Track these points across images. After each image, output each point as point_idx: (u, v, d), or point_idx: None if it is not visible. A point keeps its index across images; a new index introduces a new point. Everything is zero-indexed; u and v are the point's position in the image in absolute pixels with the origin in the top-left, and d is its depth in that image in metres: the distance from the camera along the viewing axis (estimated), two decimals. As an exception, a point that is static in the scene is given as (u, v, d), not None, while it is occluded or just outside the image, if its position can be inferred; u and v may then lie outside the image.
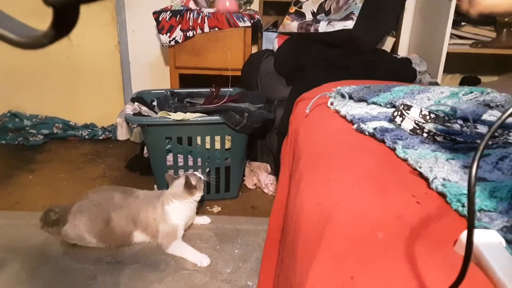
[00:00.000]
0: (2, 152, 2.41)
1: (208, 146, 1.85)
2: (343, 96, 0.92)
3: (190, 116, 1.75)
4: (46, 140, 2.54)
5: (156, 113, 1.90)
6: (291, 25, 2.06)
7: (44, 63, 2.56)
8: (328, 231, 0.43)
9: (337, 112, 0.85)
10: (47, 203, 1.84)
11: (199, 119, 1.76)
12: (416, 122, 0.67)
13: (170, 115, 1.74)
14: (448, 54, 2.03)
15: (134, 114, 1.80)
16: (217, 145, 1.85)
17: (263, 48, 2.34)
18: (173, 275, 1.42)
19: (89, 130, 2.64)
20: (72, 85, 2.64)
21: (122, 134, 1.86)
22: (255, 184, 2.11)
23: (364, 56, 1.85)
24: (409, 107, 0.72)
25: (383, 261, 0.35)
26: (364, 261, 0.36)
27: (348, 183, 0.53)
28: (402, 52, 2.45)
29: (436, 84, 2.01)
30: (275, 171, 2.09)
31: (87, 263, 1.47)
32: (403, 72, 1.85)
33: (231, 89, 2.18)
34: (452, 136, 0.63)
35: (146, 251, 1.55)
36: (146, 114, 1.87)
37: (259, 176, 2.10)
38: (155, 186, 1.94)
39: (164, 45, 2.14)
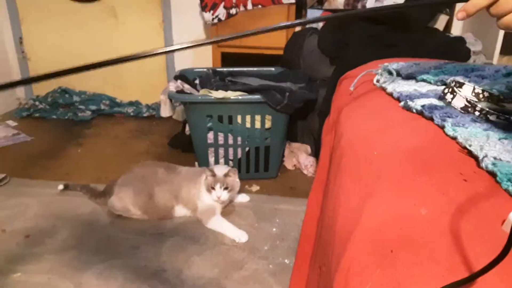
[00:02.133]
0: (54, 126, 2.55)
1: (248, 125, 1.85)
2: (390, 73, 0.88)
3: (231, 94, 1.75)
4: (94, 116, 2.66)
5: (198, 91, 1.92)
6: (337, 1, 2.00)
7: (91, 40, 2.65)
8: (368, 206, 0.42)
9: (383, 89, 0.82)
10: (94, 176, 1.94)
11: (240, 97, 1.76)
12: (468, 100, 0.63)
13: (211, 93, 1.76)
14: (505, 34, 1.89)
15: (177, 92, 1.83)
16: (257, 125, 1.86)
17: (307, 26, 2.29)
18: (212, 249, 1.46)
19: (134, 107, 2.73)
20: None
21: (165, 111, 1.91)
22: (294, 165, 2.10)
23: (414, 34, 1.77)
24: (461, 84, 0.68)
25: (425, 236, 0.34)
26: (405, 235, 0.35)
27: (392, 160, 0.51)
28: (455, 31, 2.32)
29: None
30: (315, 153, 2.07)
31: (131, 234, 1.53)
32: (455, 51, 1.75)
33: (273, 69, 2.16)
34: (506, 115, 0.59)
35: (186, 225, 1.60)
36: (189, 92, 1.90)
37: (298, 157, 2.09)
38: (196, 163, 1.98)
39: (207, 23, 2.15)
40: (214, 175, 1.58)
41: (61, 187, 1.78)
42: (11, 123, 2.51)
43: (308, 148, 2.15)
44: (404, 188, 0.42)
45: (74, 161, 2.11)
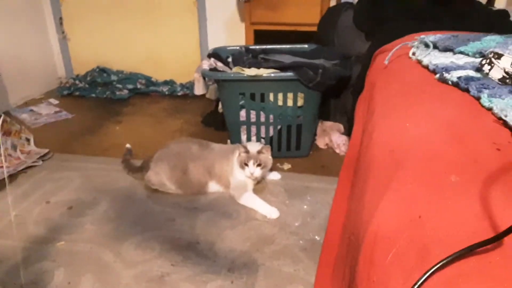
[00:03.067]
0: (93, 104, 2.64)
1: (280, 103, 1.85)
2: (427, 45, 0.86)
3: (263, 72, 1.75)
4: (130, 95, 2.73)
5: (231, 69, 1.93)
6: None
7: (127, 21, 2.71)
8: (399, 174, 0.42)
9: (419, 62, 0.80)
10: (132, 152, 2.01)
11: (272, 75, 1.76)
12: (506, 71, 0.61)
13: (244, 70, 1.77)
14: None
15: (210, 70, 1.85)
16: (290, 102, 1.85)
17: (342, 1, 2.23)
18: (244, 224, 1.49)
19: (169, 87, 2.78)
20: (152, 43, 2.78)
21: (199, 89, 1.94)
22: (326, 144, 2.09)
23: (454, 7, 1.69)
24: (499, 56, 0.65)
25: (454, 202, 0.34)
26: (433, 201, 0.35)
27: (425, 131, 0.51)
28: (499, 4, 2.19)
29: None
30: (348, 132, 2.05)
31: (167, 207, 1.59)
32: (498, 25, 1.66)
33: (306, 46, 2.13)
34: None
35: (220, 200, 1.64)
36: (221, 70, 1.91)
37: (331, 136, 2.07)
38: (228, 141, 2.01)
39: (240, 0, 2.14)
40: (247, 151, 1.61)
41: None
42: (53, 101, 2.63)
43: (341, 127, 2.12)
44: (435, 157, 0.42)
45: (113, 138, 2.19)
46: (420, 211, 0.35)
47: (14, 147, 1.93)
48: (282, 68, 1.79)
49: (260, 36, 2.32)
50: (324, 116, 2.16)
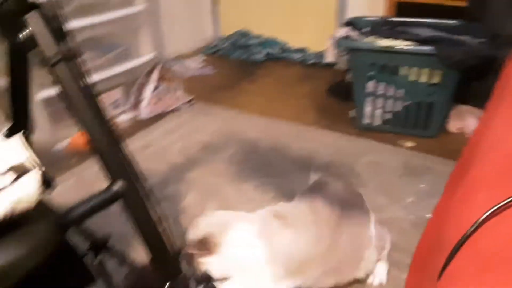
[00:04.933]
0: (232, 64, 2.90)
1: (413, 77, 1.80)
2: None
3: (398, 43, 1.72)
4: (265, 59, 2.91)
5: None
6: None
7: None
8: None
9: None
10: (260, 109, 2.19)
11: (407, 47, 1.71)
12: None
13: (378, 41, 1.75)
14: None
15: (344, 38, 1.87)
16: (423, 78, 1.78)
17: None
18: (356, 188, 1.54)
19: (301, 54, 2.88)
20: (291, 10, 2.88)
21: (330, 56, 1.98)
22: (459, 129, 1.96)
23: None
24: None
25: None
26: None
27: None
28: None
29: None
30: (486, 118, 1.88)
31: (286, 161, 1.72)
32: None
33: (452, 21, 1.99)
34: None
35: (335, 163, 1.71)
36: (355, 39, 1.92)
37: (466, 121, 1.93)
38: (351, 111, 2.03)
39: (387, -30, 2.08)
40: None
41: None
42: (200, 57, 2.95)
43: (480, 114, 1.96)
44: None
45: (246, 95, 2.40)
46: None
47: (166, 92, 2.27)
48: (419, 41, 1.72)
49: (403, 9, 2.24)
50: (462, 98, 2.02)
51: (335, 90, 2.36)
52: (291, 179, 1.60)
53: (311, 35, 2.89)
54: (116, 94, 2.10)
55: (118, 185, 0.49)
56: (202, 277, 0.59)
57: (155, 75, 2.23)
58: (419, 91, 1.82)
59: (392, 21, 2.05)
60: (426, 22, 2.03)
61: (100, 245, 0.62)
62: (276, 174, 1.63)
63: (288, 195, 1.48)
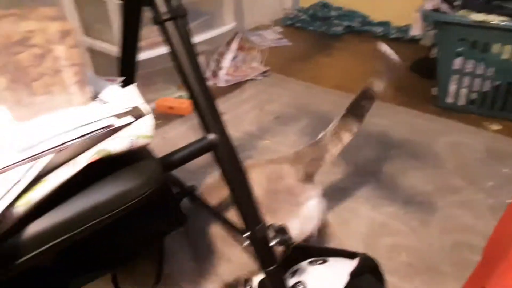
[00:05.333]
0: (310, 36, 2.87)
1: (506, 56, 1.66)
2: None
3: (493, 18, 1.59)
4: (344, 32, 2.84)
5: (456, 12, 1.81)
6: None
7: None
8: None
9: None
10: (335, 83, 2.17)
11: (503, 23, 1.58)
12: None
13: (470, 15, 1.64)
14: None
15: (433, 10, 1.77)
16: (519, 57, 1.64)
17: None
18: (431, 168, 1.49)
19: (383, 28, 2.76)
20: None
21: (416, 29, 1.89)
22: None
23: None
24: None
25: None
26: None
27: None
28: None
29: None
30: None
31: (360, 137, 1.71)
32: None
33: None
34: None
35: (411, 141, 1.66)
36: (445, 12, 1.81)
37: None
38: (433, 89, 1.94)
39: None
40: None
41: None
42: (278, 29, 2.96)
43: None
44: None
45: (321, 68, 2.38)
46: None
47: (243, 61, 2.33)
48: (520, 15, 1.58)
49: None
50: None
51: (418, 67, 2.26)
52: (362, 153, 1.59)
53: (395, 8, 2.75)
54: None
55: (212, 137, 0.55)
56: (280, 228, 0.64)
57: (234, 45, 2.30)
58: (511, 71, 1.68)
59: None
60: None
61: (188, 193, 0.70)
62: (347, 148, 1.63)
63: (360, 171, 1.49)
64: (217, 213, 0.68)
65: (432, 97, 1.96)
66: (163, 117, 1.87)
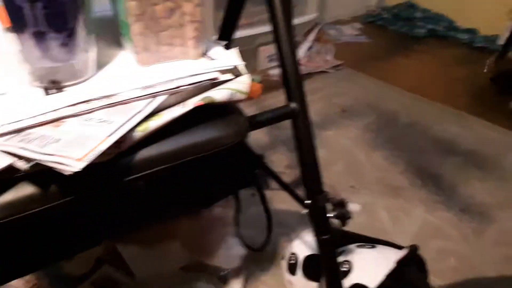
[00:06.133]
0: (390, 35, 2.83)
1: None
2: None
3: None
4: (427, 35, 2.76)
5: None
6: None
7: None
8: None
9: None
10: (409, 84, 2.14)
11: None
12: None
13: None
14: None
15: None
16: None
17: None
18: (496, 180, 1.46)
19: (469, 35, 2.65)
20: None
21: (506, 39, 1.80)
22: None
23: None
24: None
25: None
26: None
27: None
28: None
29: None
30: None
31: (424, 139, 1.70)
32: None
33: None
34: None
35: (476, 152, 1.62)
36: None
37: None
38: (511, 103, 1.86)
39: None
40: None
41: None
42: (357, 25, 2.94)
43: None
44: None
45: (396, 68, 2.35)
46: None
47: (318, 53, 2.36)
48: None
49: None
50: None
51: (500, 79, 2.16)
52: (424, 157, 1.58)
53: (485, 16, 2.62)
54: (272, 49, 2.27)
55: (293, 105, 0.61)
56: (339, 202, 0.69)
57: (312, 36, 2.34)
58: None
59: None
60: None
61: (258, 160, 0.77)
62: (410, 149, 1.63)
63: (419, 173, 1.49)
64: (282, 182, 0.74)
65: (508, 111, 1.88)
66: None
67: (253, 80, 2.06)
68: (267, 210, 0.94)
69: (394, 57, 2.49)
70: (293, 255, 0.99)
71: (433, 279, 1.02)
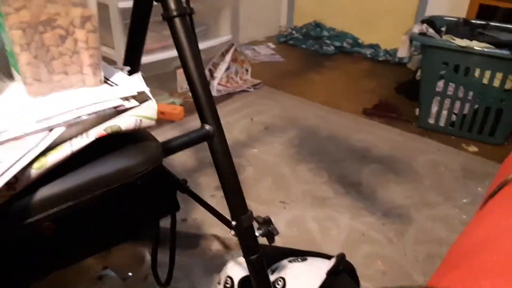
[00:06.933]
0: (302, 54, 2.96)
1: (485, 81, 1.76)
2: None
3: (475, 44, 1.69)
4: (335, 52, 2.94)
5: (441, 37, 1.91)
6: None
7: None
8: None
9: None
10: (323, 99, 2.25)
11: (485, 50, 1.68)
12: None
13: (454, 40, 1.74)
14: None
15: (419, 34, 1.87)
16: (496, 83, 1.74)
17: None
18: (409, 183, 1.57)
19: (372, 50, 2.88)
20: (368, 6, 2.88)
21: (403, 51, 1.98)
22: (528, 140, 1.89)
23: None
24: None
25: None
26: None
27: None
28: None
29: None
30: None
31: (342, 150, 1.78)
32: None
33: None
34: None
35: (391, 159, 1.74)
36: (431, 36, 1.91)
37: (537, 133, 1.87)
38: (417, 109, 2.03)
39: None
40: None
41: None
42: (271, 45, 3.05)
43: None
44: None
45: (310, 84, 2.46)
46: None
47: (236, 73, 2.39)
48: (497, 44, 1.68)
49: (485, 11, 2.17)
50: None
51: (404, 89, 2.36)
52: (345, 166, 1.66)
53: (386, 33, 2.87)
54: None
55: (208, 127, 0.60)
56: (265, 220, 0.68)
57: (228, 57, 2.37)
58: (490, 95, 1.78)
59: (472, 22, 2.01)
60: (508, 27, 1.97)
61: (180, 185, 0.74)
62: (331, 160, 1.70)
63: (342, 182, 1.56)
64: (206, 205, 0.72)
65: (415, 117, 2.05)
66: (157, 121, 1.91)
67: (173, 103, 2.02)
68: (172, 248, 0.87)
69: (307, 74, 2.61)
70: (228, 279, 0.96)
71: (363, 284, 1.06)
